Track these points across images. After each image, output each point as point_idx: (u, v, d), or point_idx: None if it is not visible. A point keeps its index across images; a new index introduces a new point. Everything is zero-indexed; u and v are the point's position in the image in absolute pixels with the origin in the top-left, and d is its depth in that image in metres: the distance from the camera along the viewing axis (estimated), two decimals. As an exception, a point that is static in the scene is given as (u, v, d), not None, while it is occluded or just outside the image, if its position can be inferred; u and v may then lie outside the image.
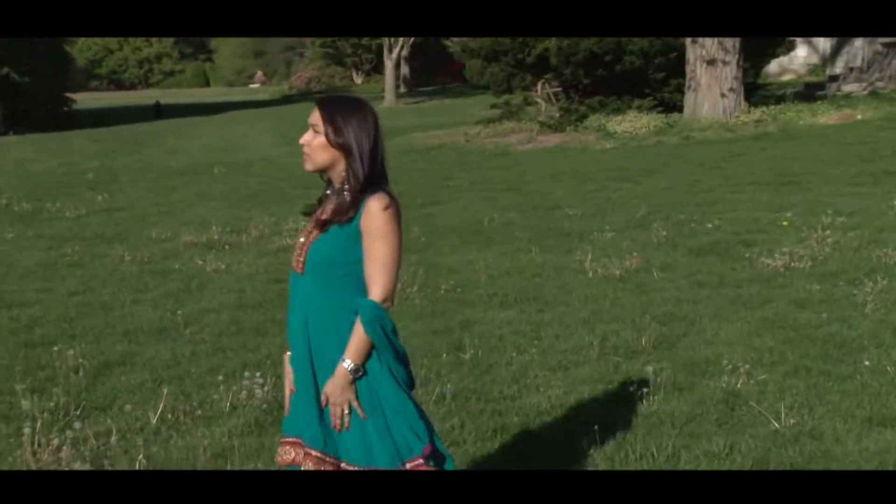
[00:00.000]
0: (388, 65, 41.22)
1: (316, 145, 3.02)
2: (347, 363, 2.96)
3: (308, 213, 3.18)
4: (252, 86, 74.09)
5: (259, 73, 79.87)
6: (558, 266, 8.45)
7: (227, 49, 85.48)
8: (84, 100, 45.53)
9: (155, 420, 5.07)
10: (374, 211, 2.95)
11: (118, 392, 5.62)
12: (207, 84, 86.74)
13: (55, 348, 6.23)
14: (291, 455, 3.12)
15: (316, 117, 3.03)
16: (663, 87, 21.56)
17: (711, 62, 19.18)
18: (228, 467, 4.52)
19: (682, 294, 7.31)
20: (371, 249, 2.96)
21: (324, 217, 3.04)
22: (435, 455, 3.07)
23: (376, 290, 2.97)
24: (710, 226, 9.75)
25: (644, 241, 9.20)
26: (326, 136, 3.00)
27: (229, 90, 69.10)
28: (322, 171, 3.08)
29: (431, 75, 51.93)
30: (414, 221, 11.04)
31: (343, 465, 3.03)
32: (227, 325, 7.00)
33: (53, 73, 36.58)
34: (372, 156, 3.01)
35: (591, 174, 14.61)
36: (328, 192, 3.13)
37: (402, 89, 44.95)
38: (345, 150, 3.00)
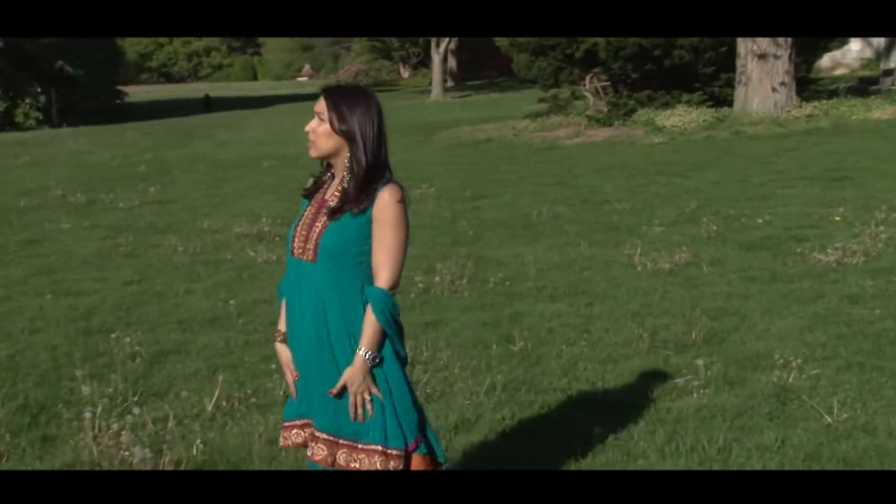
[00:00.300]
0: (436, 59, 41.19)
1: (321, 132, 3.10)
2: (364, 352, 3.04)
3: (306, 196, 3.25)
4: (300, 79, 74.41)
5: (307, 67, 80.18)
6: (607, 260, 8.45)
7: (276, 43, 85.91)
8: (135, 93, 46.05)
9: (211, 407, 5.17)
10: (388, 201, 3.04)
11: (174, 379, 5.74)
12: (255, 77, 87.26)
13: (112, 336, 6.36)
14: (301, 437, 3.22)
15: (321, 105, 3.11)
16: (713, 82, 21.39)
17: (763, 56, 18.99)
18: (283, 454, 4.60)
19: (732, 288, 7.28)
20: (382, 238, 3.05)
21: (333, 205, 3.10)
22: (427, 444, 3.18)
23: (384, 276, 3.06)
24: (760, 221, 9.68)
25: (694, 236, 9.16)
26: (331, 123, 3.08)
27: (277, 84, 69.47)
28: (325, 158, 3.16)
29: (478, 69, 51.89)
30: (462, 215, 11.11)
31: (360, 445, 3.10)
32: (278, 315, 7.07)
33: (106, 67, 37.05)
34: (375, 144, 3.08)
35: (640, 168, 14.54)
36: (324, 177, 3.21)
37: (449, 83, 44.92)
38: (348, 137, 3.07)
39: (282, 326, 3.31)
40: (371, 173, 3.07)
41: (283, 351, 3.29)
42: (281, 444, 3.31)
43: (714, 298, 7.02)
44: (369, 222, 3.05)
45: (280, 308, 3.32)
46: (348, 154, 3.09)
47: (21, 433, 4.93)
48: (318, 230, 3.10)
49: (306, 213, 3.19)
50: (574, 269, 8.17)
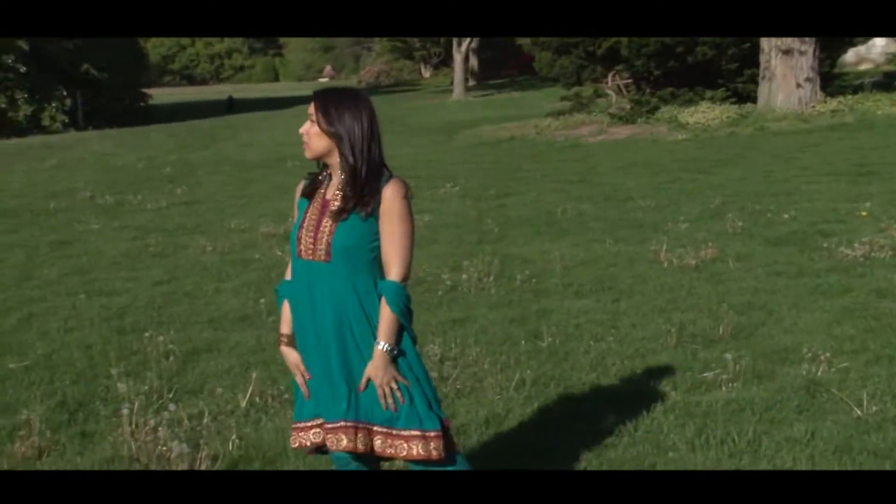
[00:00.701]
0: (457, 58, 41.23)
1: (312, 133, 3.19)
2: (383, 345, 3.14)
3: (307, 195, 3.30)
4: (321, 80, 74.63)
5: (328, 68, 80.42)
6: (633, 256, 8.48)
7: (297, 44, 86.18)
8: (158, 95, 46.35)
9: (244, 403, 5.24)
10: (393, 196, 3.14)
11: (208, 376, 5.82)
12: (277, 79, 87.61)
13: (146, 335, 6.45)
14: (321, 436, 3.27)
15: (312, 108, 3.20)
16: (736, 78, 21.35)
17: (787, 52, 18.93)
18: (316, 449, 4.66)
19: (759, 283, 7.30)
20: (390, 232, 3.14)
21: (336, 207, 3.17)
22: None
23: (395, 270, 3.16)
24: (786, 216, 9.68)
25: (719, 232, 9.18)
26: (319, 124, 3.17)
27: (299, 84, 69.70)
28: (320, 159, 3.24)
29: (500, 68, 51.89)
30: (487, 213, 11.16)
31: (395, 431, 3.19)
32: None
33: (130, 69, 37.35)
34: (365, 144, 3.15)
35: (664, 165, 14.55)
36: (321, 177, 3.29)
37: (471, 82, 44.94)
38: (336, 137, 3.16)
39: (285, 329, 3.36)
40: (362, 172, 3.15)
41: (291, 354, 3.35)
42: (296, 445, 3.35)
43: (741, 293, 7.04)
44: (377, 219, 3.15)
45: (281, 311, 3.38)
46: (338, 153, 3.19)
47: (61, 429, 5.02)
48: (326, 231, 3.17)
49: (309, 214, 3.25)
50: (600, 266, 8.21)
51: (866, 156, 13.77)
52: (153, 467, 4.46)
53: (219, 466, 4.48)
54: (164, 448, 4.51)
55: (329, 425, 3.22)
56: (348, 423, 3.19)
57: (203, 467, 4.43)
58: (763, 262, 7.97)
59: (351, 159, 3.15)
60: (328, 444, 3.23)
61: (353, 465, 3.35)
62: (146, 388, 5.48)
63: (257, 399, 5.29)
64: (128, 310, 7.54)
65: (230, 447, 4.66)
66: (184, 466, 4.40)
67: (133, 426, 4.75)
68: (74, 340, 6.72)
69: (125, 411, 4.81)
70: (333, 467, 3.41)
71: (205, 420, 4.96)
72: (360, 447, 3.20)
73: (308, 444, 3.32)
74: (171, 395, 5.43)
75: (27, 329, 7.11)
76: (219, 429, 4.88)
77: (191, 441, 4.62)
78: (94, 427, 5.07)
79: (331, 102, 3.18)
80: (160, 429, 4.66)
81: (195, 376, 5.84)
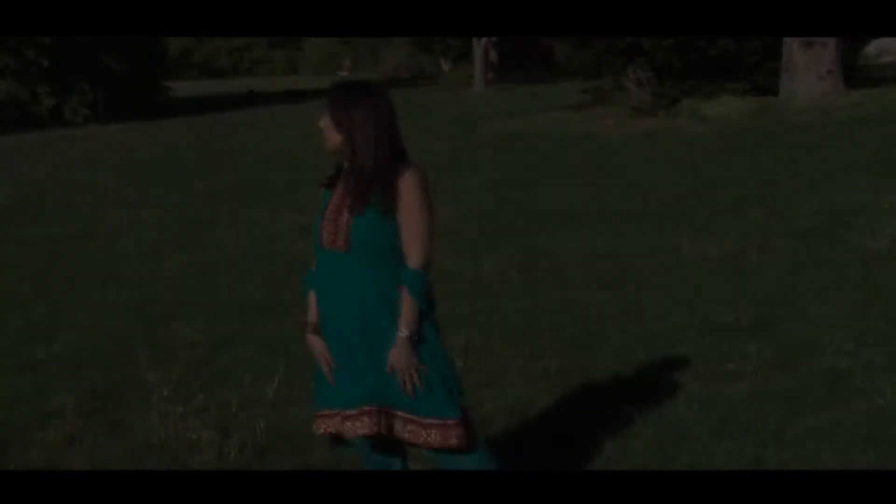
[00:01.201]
0: (477, 52, 41.17)
1: (326, 128, 3.24)
2: (405, 333, 3.18)
3: (327, 185, 3.35)
4: (340, 73, 74.59)
5: (347, 62, 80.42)
6: (655, 248, 8.49)
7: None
8: (178, 88, 46.52)
9: (271, 392, 5.30)
10: (410, 185, 3.18)
11: (234, 366, 5.89)
12: (296, 72, 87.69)
13: (172, 325, 6.53)
14: (343, 425, 3.30)
15: (327, 101, 3.26)
16: (758, 71, 21.24)
17: (809, 44, 18.83)
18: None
19: (781, 275, 7.30)
20: (409, 221, 3.19)
21: (350, 202, 3.21)
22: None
23: (415, 257, 3.20)
24: (808, 208, 9.67)
25: (740, 224, 9.17)
26: (330, 118, 3.23)
27: (318, 78, 69.71)
28: (338, 151, 3.28)
29: (520, 61, 51.79)
30: (508, 205, 11.19)
31: (416, 417, 3.22)
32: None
33: (151, 63, 37.50)
34: (372, 138, 3.18)
35: (685, 158, 14.52)
36: (343, 167, 3.33)
37: (491, 75, 44.82)
38: (342, 132, 3.21)
39: (311, 318, 3.42)
40: (368, 166, 3.18)
41: (316, 342, 3.41)
42: (322, 431, 3.40)
43: (763, 285, 7.05)
44: (395, 209, 3.19)
45: (307, 301, 3.43)
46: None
47: (91, 417, 5.10)
48: (345, 222, 3.21)
49: (331, 205, 3.29)
50: (622, 258, 8.23)
51: (889, 148, 13.69)
52: (183, 454, 4.53)
53: (247, 454, 4.54)
54: (194, 436, 4.58)
55: (348, 412, 3.27)
56: (372, 408, 3.23)
57: (232, 455, 4.49)
58: (785, 253, 7.96)
59: (349, 151, 3.20)
60: (345, 431, 3.28)
61: (376, 458, 3.41)
62: (174, 377, 5.55)
63: (284, 388, 5.35)
64: (153, 301, 7.62)
65: (259, 435, 4.72)
66: (213, 454, 4.47)
67: (162, 414, 4.82)
68: (101, 331, 6.81)
69: (154, 399, 4.89)
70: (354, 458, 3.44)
71: (233, 408, 5.03)
72: (383, 429, 3.24)
73: (335, 430, 3.36)
74: (198, 384, 5.49)
75: (54, 320, 7.20)
76: (247, 417, 4.94)
77: (219, 429, 4.69)
78: (124, 415, 5.15)
79: (341, 97, 3.24)
80: (189, 417, 4.74)
81: (222, 366, 5.91)
